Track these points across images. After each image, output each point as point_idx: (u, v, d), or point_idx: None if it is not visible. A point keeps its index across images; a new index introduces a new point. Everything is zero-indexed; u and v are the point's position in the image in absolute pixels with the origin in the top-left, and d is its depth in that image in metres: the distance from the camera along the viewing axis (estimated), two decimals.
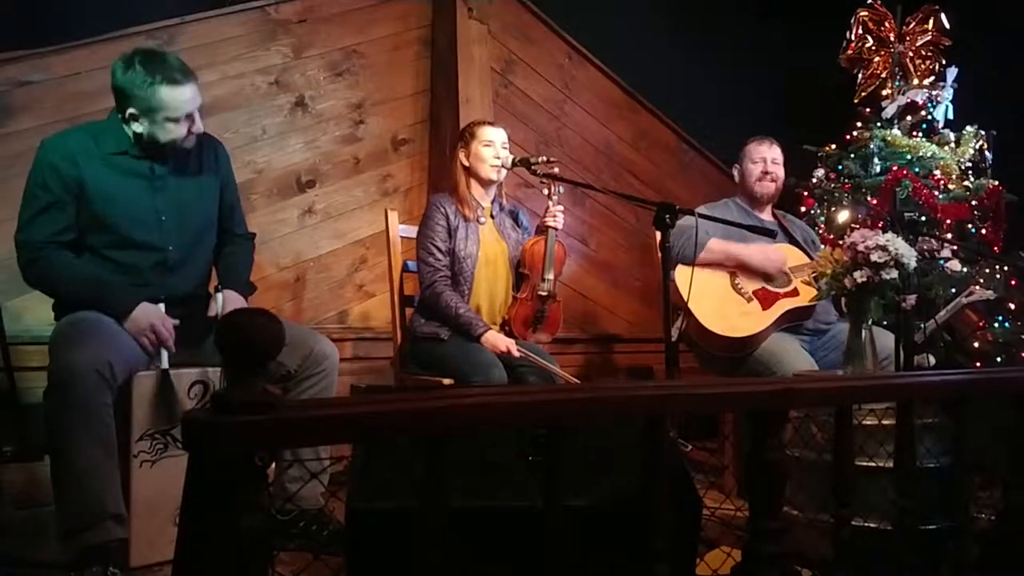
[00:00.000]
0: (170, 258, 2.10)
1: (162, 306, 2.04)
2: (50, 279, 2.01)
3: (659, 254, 2.27)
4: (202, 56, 3.14)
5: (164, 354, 2.00)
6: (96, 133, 2.06)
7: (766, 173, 2.96)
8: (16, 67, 2.75)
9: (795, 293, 2.75)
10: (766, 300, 2.73)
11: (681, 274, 2.61)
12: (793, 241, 2.96)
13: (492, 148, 2.70)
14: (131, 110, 1.99)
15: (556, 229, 2.67)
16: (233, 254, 2.29)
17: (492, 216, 2.78)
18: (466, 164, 2.72)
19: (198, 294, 2.18)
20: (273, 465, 2.16)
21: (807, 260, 2.84)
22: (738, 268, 2.79)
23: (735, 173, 3.06)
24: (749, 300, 2.74)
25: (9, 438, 2.35)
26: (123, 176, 2.04)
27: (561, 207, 2.70)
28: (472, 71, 3.72)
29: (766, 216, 3.02)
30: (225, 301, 2.13)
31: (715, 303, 2.71)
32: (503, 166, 2.70)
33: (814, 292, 2.67)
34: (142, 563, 1.92)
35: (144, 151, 2.05)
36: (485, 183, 2.74)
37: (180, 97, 1.98)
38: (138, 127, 2.01)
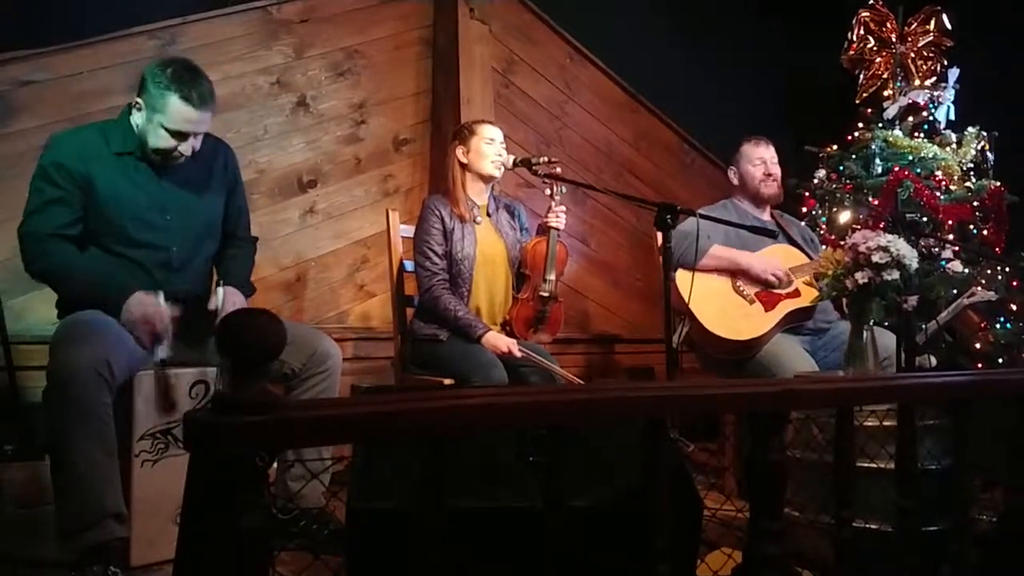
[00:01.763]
0: (174, 258, 2.11)
1: (161, 296, 2.01)
2: (51, 271, 2.01)
3: (660, 255, 2.27)
4: (204, 56, 3.14)
5: (161, 346, 1.99)
6: (106, 131, 2.07)
7: (768, 174, 2.95)
8: (18, 67, 2.76)
9: (796, 294, 2.75)
10: (768, 302, 2.73)
11: (682, 278, 2.61)
12: (792, 241, 2.96)
13: (494, 146, 2.69)
14: (139, 100, 2.03)
15: (558, 229, 2.67)
16: (235, 256, 2.30)
17: (488, 215, 2.77)
18: (464, 161, 2.71)
19: (200, 294, 2.18)
20: (275, 464, 2.16)
21: (806, 260, 2.83)
22: (739, 272, 2.78)
23: (732, 175, 3.04)
24: (751, 302, 2.74)
25: (10, 437, 2.35)
26: (129, 175, 2.06)
27: (563, 207, 2.69)
28: (473, 71, 3.72)
29: (765, 217, 3.01)
30: (225, 296, 2.12)
31: (717, 306, 2.70)
32: (504, 165, 2.70)
33: (815, 293, 2.67)
34: (143, 562, 1.92)
35: (147, 152, 2.06)
36: (485, 180, 2.73)
37: (184, 114, 1.99)
38: (137, 119, 2.04)
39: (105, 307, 1.98)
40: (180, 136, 2.02)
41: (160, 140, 2.02)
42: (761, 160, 2.97)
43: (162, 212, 2.09)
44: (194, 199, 2.16)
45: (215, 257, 2.28)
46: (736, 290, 2.77)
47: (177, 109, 1.98)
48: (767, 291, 2.76)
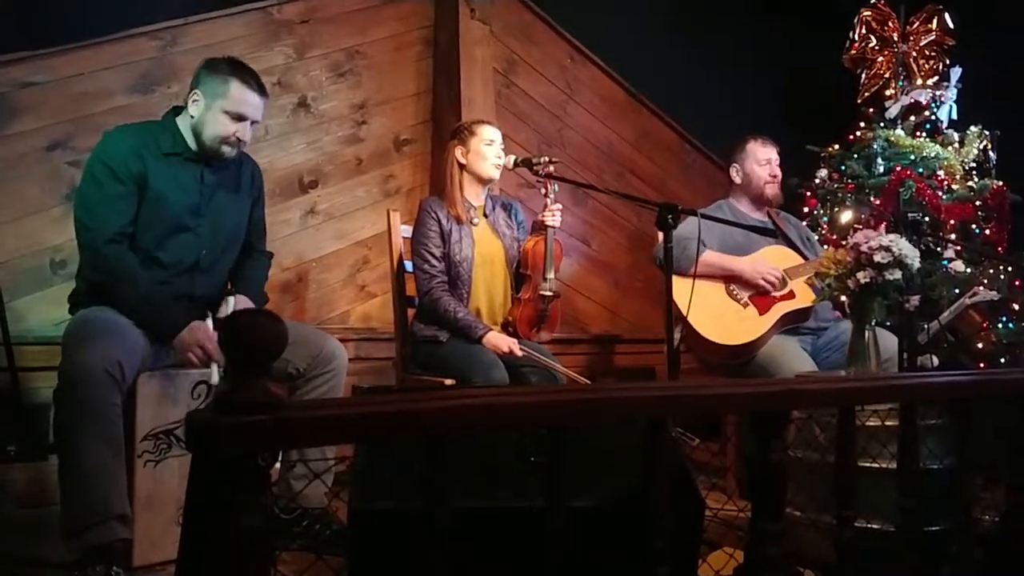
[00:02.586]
0: (202, 260, 2.15)
1: (210, 322, 2.08)
2: (111, 277, 2.01)
3: (661, 252, 2.26)
4: (205, 57, 3.13)
5: (214, 368, 2.03)
6: (154, 131, 2.12)
7: (773, 175, 2.94)
8: (20, 68, 2.76)
9: (791, 296, 2.74)
10: (762, 305, 2.72)
11: (678, 287, 2.60)
12: (788, 241, 2.94)
13: (493, 147, 2.69)
14: (196, 92, 2.09)
15: (554, 228, 2.66)
16: (251, 267, 2.34)
17: (485, 215, 2.76)
18: (463, 162, 2.71)
19: (214, 299, 2.20)
20: (278, 464, 2.16)
21: (799, 260, 2.82)
22: (732, 278, 2.77)
23: (734, 173, 3.00)
24: (745, 306, 2.73)
25: (13, 438, 2.36)
26: (175, 176, 2.10)
27: (559, 205, 2.69)
28: (474, 71, 3.72)
29: (762, 217, 3.00)
30: (236, 305, 2.16)
31: (712, 312, 2.69)
32: (504, 166, 2.69)
33: (810, 293, 2.66)
34: (145, 563, 1.92)
35: (193, 153, 2.12)
36: (483, 182, 2.73)
37: (244, 96, 2.09)
38: (194, 110, 2.09)
39: (153, 330, 2.01)
40: (239, 119, 2.09)
41: (219, 126, 2.09)
42: (768, 160, 2.95)
43: (196, 216, 2.13)
44: (224, 207, 2.21)
45: (233, 266, 2.31)
46: (730, 294, 2.75)
47: (239, 91, 2.09)
48: (761, 294, 2.75)
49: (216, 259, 2.19)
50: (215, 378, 2.03)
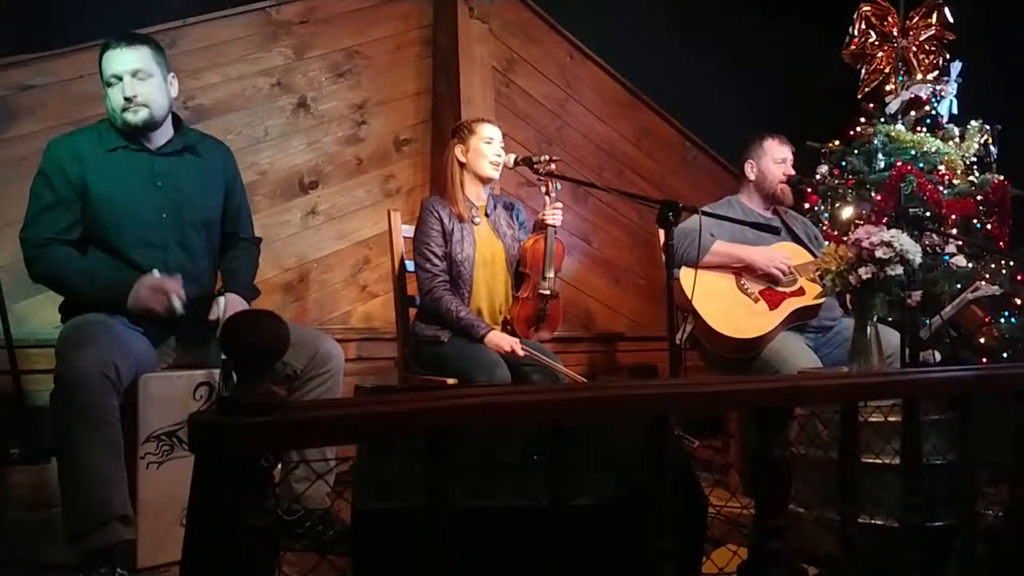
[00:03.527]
0: (170, 257, 2.10)
1: (155, 271, 2.02)
2: (51, 273, 2.03)
3: (662, 253, 2.26)
4: (204, 58, 3.15)
5: (177, 302, 1.99)
6: (101, 130, 2.10)
7: (788, 175, 2.93)
8: (20, 71, 2.76)
9: (801, 292, 2.74)
10: (772, 300, 2.72)
11: (685, 276, 2.60)
12: (795, 238, 2.95)
13: (493, 146, 2.69)
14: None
15: (555, 227, 2.66)
16: (237, 258, 2.29)
17: (487, 215, 2.76)
18: (463, 160, 2.70)
19: (202, 297, 2.18)
20: (280, 465, 2.16)
21: (810, 257, 2.82)
22: (743, 269, 2.77)
23: (749, 169, 2.97)
24: (756, 300, 2.72)
25: (16, 440, 2.36)
26: (124, 172, 2.07)
27: (560, 204, 2.69)
28: (474, 70, 3.72)
29: (768, 214, 2.99)
30: (227, 305, 2.12)
31: (722, 305, 2.69)
32: (504, 165, 2.69)
33: (819, 290, 2.66)
34: (149, 564, 1.92)
35: (132, 142, 2.08)
36: (483, 181, 2.73)
37: (110, 58, 2.03)
38: (106, 103, 2.06)
39: (109, 307, 1.99)
40: (117, 79, 2.03)
41: (111, 100, 2.05)
42: (784, 159, 2.94)
43: (158, 211, 2.09)
44: (190, 197, 2.16)
45: (217, 258, 2.28)
46: (740, 288, 2.75)
47: (106, 58, 2.04)
48: (771, 289, 2.75)
49: (187, 256, 2.14)
50: (179, 307, 1.99)
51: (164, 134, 2.15)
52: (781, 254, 2.76)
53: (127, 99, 2.02)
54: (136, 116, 2.05)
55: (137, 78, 2.04)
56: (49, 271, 2.02)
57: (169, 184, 2.12)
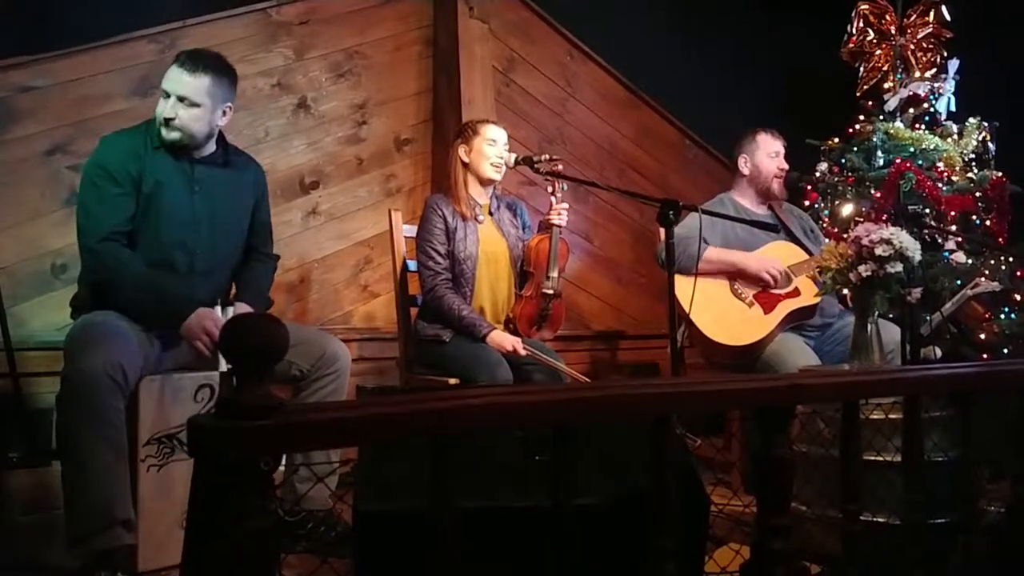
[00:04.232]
0: (197, 262, 2.14)
1: (218, 309, 2.09)
2: (109, 272, 2.03)
3: (663, 252, 2.26)
4: None
5: (223, 359, 2.02)
6: (148, 129, 2.14)
7: (783, 169, 2.92)
8: (20, 73, 2.75)
9: (796, 293, 2.72)
10: (767, 304, 2.70)
11: (681, 285, 2.59)
12: (791, 234, 2.92)
13: (495, 147, 2.69)
14: None
15: (560, 227, 2.66)
16: (254, 269, 2.34)
17: (491, 213, 2.76)
18: (466, 160, 2.71)
19: (217, 303, 2.19)
20: (283, 466, 2.16)
21: (805, 257, 2.80)
22: (736, 274, 2.75)
23: (743, 164, 2.95)
24: (750, 305, 2.71)
25: (16, 443, 2.36)
26: (168, 173, 2.11)
27: (565, 204, 2.69)
28: (474, 70, 3.72)
29: (763, 211, 2.98)
30: (235, 313, 2.15)
31: (716, 312, 2.67)
32: (505, 165, 2.69)
33: (815, 290, 2.65)
34: (150, 567, 1.92)
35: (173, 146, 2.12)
36: (485, 181, 2.73)
37: (172, 74, 2.08)
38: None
39: (156, 320, 2.01)
40: (165, 96, 2.08)
41: (160, 105, 2.10)
42: (777, 153, 2.93)
43: (192, 215, 2.14)
44: (223, 207, 2.21)
45: (236, 268, 2.30)
46: (734, 293, 2.73)
47: (171, 72, 2.09)
48: (766, 292, 2.72)
49: (214, 260, 2.19)
50: (223, 366, 2.02)
51: (207, 148, 2.21)
52: (774, 259, 2.74)
53: (166, 119, 2.08)
54: (169, 135, 2.10)
55: (183, 104, 2.08)
56: (107, 267, 2.02)
57: (205, 191, 2.17)
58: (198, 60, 2.10)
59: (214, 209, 2.18)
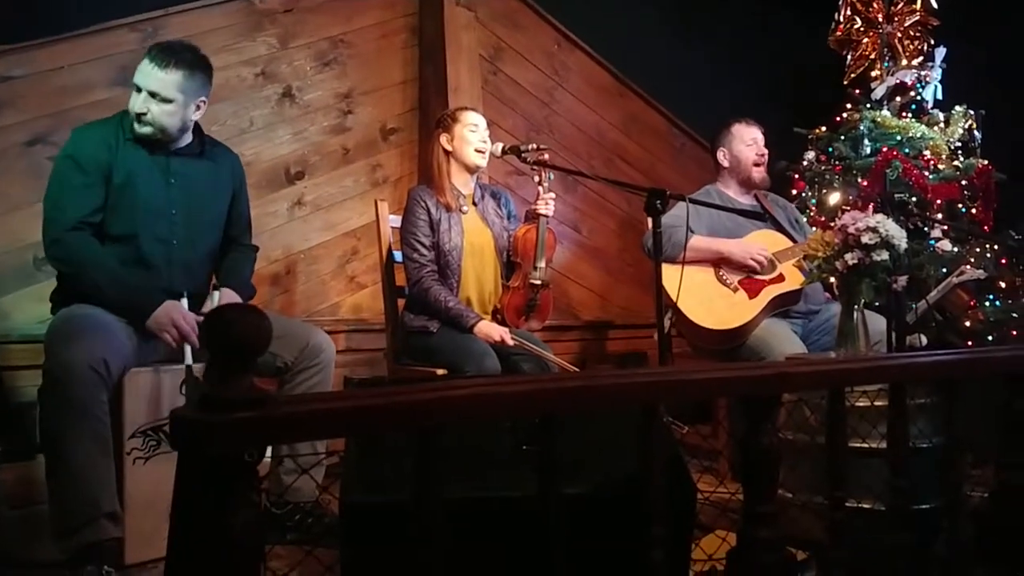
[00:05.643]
0: (174, 253, 2.12)
1: (184, 302, 2.06)
2: (75, 263, 2.01)
3: (650, 241, 2.26)
4: None
5: (188, 349, 2.01)
6: (121, 120, 2.11)
7: (761, 155, 2.93)
8: None
9: (780, 279, 2.74)
10: (752, 289, 2.72)
11: (668, 273, 2.59)
12: (776, 223, 2.94)
13: (477, 132, 2.68)
14: None
15: (547, 216, 2.66)
16: (235, 259, 2.33)
17: (475, 203, 2.75)
18: (449, 149, 2.69)
19: (198, 295, 2.18)
20: (269, 458, 2.16)
21: (789, 244, 2.82)
22: (721, 261, 2.77)
23: (722, 157, 2.97)
24: (735, 291, 2.73)
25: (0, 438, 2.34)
26: (142, 165, 2.09)
27: (552, 194, 2.68)
28: (460, 59, 3.70)
29: (748, 200, 2.99)
30: (221, 299, 2.14)
31: (701, 298, 2.69)
32: (490, 152, 2.68)
33: (799, 276, 2.67)
34: (137, 560, 1.91)
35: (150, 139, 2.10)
36: (470, 169, 2.71)
37: (146, 70, 2.05)
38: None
39: (121, 312, 1.98)
40: (137, 90, 2.06)
41: (132, 99, 2.07)
42: (754, 140, 2.94)
43: (168, 205, 2.12)
44: (199, 197, 2.19)
45: (216, 260, 2.29)
46: (719, 279, 2.75)
47: (140, 65, 2.06)
48: (750, 278, 2.75)
49: (192, 253, 2.17)
50: (189, 359, 2.01)
51: (182, 140, 2.18)
52: (757, 245, 2.76)
53: (138, 114, 2.06)
54: (141, 130, 2.08)
55: (154, 100, 2.06)
56: (73, 258, 2.00)
57: (181, 183, 2.15)
58: (170, 54, 2.06)
59: (191, 201, 2.16)
